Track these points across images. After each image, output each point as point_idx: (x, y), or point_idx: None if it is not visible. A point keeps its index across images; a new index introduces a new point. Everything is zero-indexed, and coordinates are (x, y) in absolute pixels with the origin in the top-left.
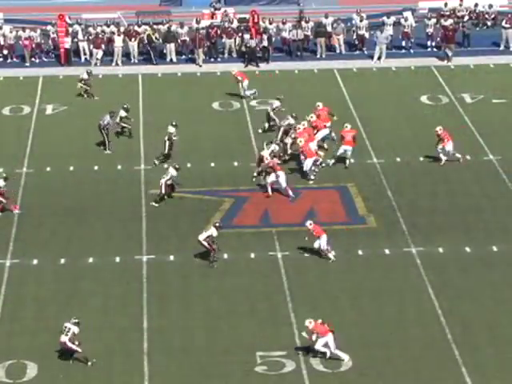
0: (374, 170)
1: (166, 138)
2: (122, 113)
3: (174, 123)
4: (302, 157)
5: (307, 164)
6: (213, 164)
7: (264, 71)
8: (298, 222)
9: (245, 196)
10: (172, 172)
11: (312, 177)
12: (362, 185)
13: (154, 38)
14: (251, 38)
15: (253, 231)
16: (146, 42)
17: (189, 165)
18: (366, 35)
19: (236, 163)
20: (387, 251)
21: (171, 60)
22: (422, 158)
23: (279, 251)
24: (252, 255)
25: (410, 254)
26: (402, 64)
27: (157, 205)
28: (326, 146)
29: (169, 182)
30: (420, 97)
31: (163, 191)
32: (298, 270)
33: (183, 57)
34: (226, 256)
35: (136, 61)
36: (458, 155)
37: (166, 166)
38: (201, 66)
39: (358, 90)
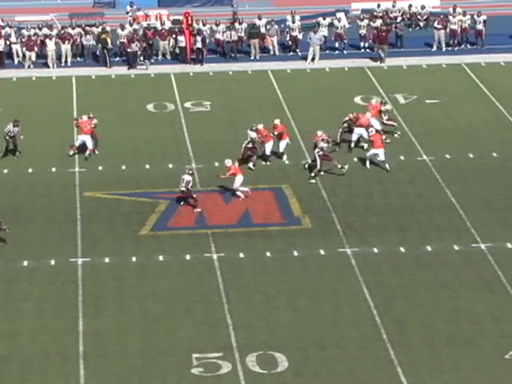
0: (305, 173)
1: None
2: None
3: (91, 114)
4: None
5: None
6: (148, 166)
7: (198, 73)
8: (234, 223)
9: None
10: (187, 178)
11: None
12: (296, 185)
13: (108, 41)
14: (133, 41)
15: (188, 233)
16: (100, 45)
17: (123, 167)
18: (299, 36)
19: (171, 165)
20: (322, 252)
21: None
22: (355, 159)
23: (215, 252)
24: (187, 257)
25: (345, 254)
26: (336, 65)
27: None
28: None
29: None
30: (354, 97)
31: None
32: (234, 271)
33: (117, 58)
34: (161, 258)
35: (69, 63)
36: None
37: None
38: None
39: (292, 91)
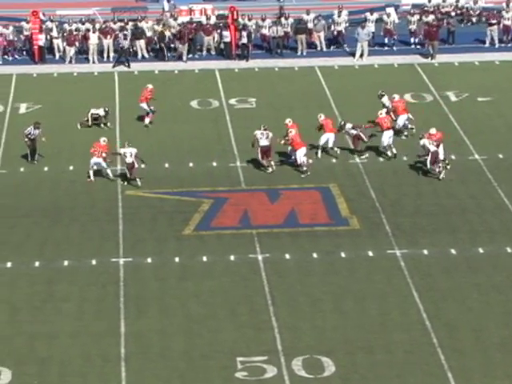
0: (356, 170)
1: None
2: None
3: (106, 109)
4: (290, 148)
5: (299, 156)
6: (191, 164)
7: (243, 69)
8: (279, 223)
9: (224, 197)
10: (133, 151)
11: (305, 168)
12: (344, 185)
13: (166, 34)
14: (125, 38)
15: (232, 233)
16: (157, 39)
17: (166, 165)
18: (344, 31)
19: (215, 163)
20: (371, 253)
21: (143, 57)
22: (405, 158)
23: (259, 253)
24: (231, 257)
25: (393, 256)
26: (385, 61)
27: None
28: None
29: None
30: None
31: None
32: (279, 272)
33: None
34: (204, 258)
35: (111, 59)
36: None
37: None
38: (185, 61)
39: (340, 88)
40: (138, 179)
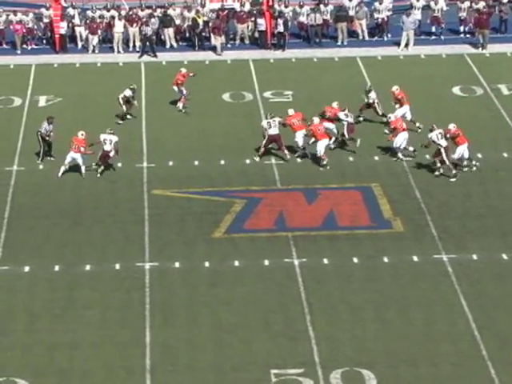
0: (400, 169)
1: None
2: (128, 92)
3: (131, 86)
4: (313, 139)
5: (319, 148)
6: (222, 161)
7: (279, 59)
8: (317, 225)
9: (258, 197)
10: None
11: (325, 162)
12: (387, 185)
13: (200, 22)
14: (147, 25)
15: (267, 235)
16: (189, 26)
17: (196, 162)
18: (387, 19)
19: (248, 160)
20: (415, 258)
21: (171, 46)
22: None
23: (296, 258)
24: (266, 262)
25: (440, 261)
26: (432, 51)
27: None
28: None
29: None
30: (452, 88)
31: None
32: (317, 278)
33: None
34: (236, 263)
35: (137, 48)
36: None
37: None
38: (220, 54)
39: (383, 80)
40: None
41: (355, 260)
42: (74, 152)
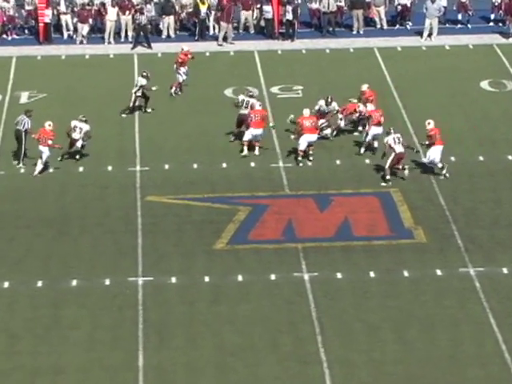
0: (422, 172)
1: (134, 90)
2: (142, 81)
3: (144, 74)
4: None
5: (301, 142)
6: (225, 164)
7: (288, 51)
8: (330, 235)
9: (264, 204)
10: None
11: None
12: (408, 190)
13: (202, 9)
14: (141, 13)
15: (274, 247)
16: (190, 13)
17: (195, 165)
18: (410, 5)
19: (253, 163)
20: (439, 272)
21: (168, 36)
22: (481, 158)
23: (306, 272)
24: (272, 276)
25: (467, 275)
26: (458, 42)
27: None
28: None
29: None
30: (480, 82)
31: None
32: (330, 294)
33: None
34: (240, 278)
35: (130, 38)
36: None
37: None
38: (221, 44)
39: (404, 74)
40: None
41: (372, 274)
42: (42, 146)
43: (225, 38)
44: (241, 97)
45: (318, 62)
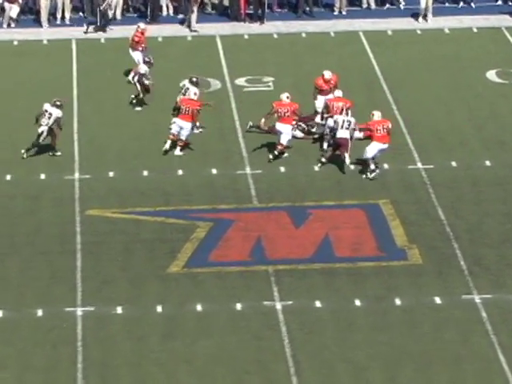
0: (418, 180)
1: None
2: (143, 68)
3: (147, 59)
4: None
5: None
6: (181, 171)
7: (257, 35)
8: (307, 256)
9: (228, 218)
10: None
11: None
12: (400, 201)
13: None
14: None
15: (240, 270)
16: None
17: (145, 173)
18: None
19: (215, 170)
20: (438, 300)
21: (114, 18)
22: (488, 162)
23: (278, 300)
24: (238, 306)
25: (471, 303)
26: (459, 24)
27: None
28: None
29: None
30: (486, 72)
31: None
32: (307, 327)
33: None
34: (199, 307)
35: (67, 21)
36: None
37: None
38: (195, 30)
39: (395, 63)
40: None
41: (358, 303)
42: None
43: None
44: (184, 82)
45: (293, 49)
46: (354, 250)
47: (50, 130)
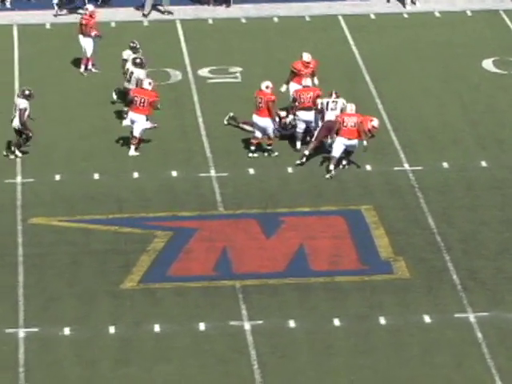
0: (405, 183)
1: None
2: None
3: (132, 44)
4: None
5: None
6: (136, 174)
7: (222, 19)
8: (279, 269)
9: (190, 227)
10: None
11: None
12: (385, 207)
13: None
14: None
15: (203, 286)
16: None
17: (96, 176)
18: None
19: (175, 172)
20: (428, 319)
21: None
22: (484, 163)
23: (247, 319)
24: (201, 326)
25: (465, 322)
26: (452, 7)
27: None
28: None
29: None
30: (481, 61)
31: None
32: (280, 350)
33: None
34: (157, 328)
35: (8, 5)
36: None
37: None
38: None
39: (379, 51)
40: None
41: (337, 322)
42: None
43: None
44: (128, 63)
45: (263, 35)
46: (332, 262)
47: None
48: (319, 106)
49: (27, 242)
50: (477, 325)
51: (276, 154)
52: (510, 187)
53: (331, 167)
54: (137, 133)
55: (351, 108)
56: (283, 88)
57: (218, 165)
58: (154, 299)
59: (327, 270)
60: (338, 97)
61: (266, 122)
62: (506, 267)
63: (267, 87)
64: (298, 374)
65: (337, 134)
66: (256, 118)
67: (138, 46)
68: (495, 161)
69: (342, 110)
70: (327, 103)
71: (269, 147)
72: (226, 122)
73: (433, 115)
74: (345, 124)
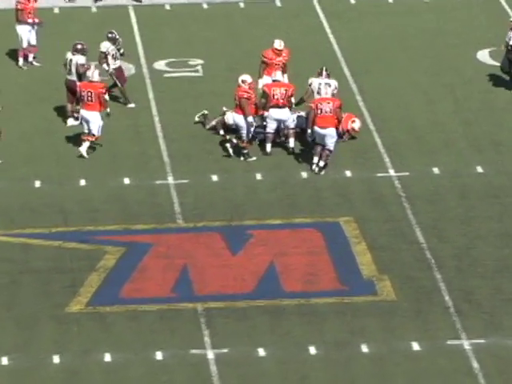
0: (389, 192)
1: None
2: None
3: (110, 35)
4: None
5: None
6: (83, 181)
7: (181, 5)
8: (247, 290)
9: (145, 242)
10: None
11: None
12: (367, 219)
13: None
14: None
15: (160, 309)
16: None
17: (38, 183)
18: None
19: (127, 180)
20: (417, 346)
21: None
22: (480, 169)
23: (210, 347)
24: (158, 355)
25: (459, 349)
26: None
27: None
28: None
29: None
30: (476, 52)
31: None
32: (248, 381)
33: None
34: (108, 357)
35: None
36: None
37: None
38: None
39: (360, 40)
40: None
41: (313, 350)
42: None
43: None
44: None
45: (227, 23)
46: (307, 282)
47: None
48: (309, 89)
49: None
50: (472, 353)
51: (253, 158)
52: (509, 196)
53: (315, 159)
54: (95, 131)
55: (326, 92)
56: (259, 84)
57: (176, 171)
58: (105, 324)
59: (301, 290)
60: (329, 76)
61: (239, 121)
62: (504, 287)
63: (243, 82)
64: None
65: (313, 123)
66: (234, 116)
67: (118, 37)
68: (492, 166)
69: (334, 96)
70: (319, 87)
71: (244, 151)
72: (196, 119)
73: (421, 113)
74: (319, 110)
